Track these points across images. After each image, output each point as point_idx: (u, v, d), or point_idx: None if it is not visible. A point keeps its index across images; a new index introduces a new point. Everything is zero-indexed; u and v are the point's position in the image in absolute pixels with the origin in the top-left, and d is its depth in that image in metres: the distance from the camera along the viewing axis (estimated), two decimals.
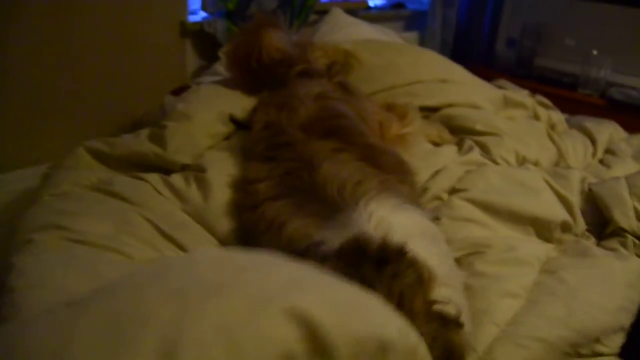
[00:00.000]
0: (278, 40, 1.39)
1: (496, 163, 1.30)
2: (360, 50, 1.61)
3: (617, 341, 0.94)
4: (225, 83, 1.49)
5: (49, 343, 0.48)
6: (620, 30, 2.52)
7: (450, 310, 0.74)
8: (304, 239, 0.84)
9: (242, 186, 1.07)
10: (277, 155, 1.04)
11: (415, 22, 3.10)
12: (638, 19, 2.46)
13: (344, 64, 1.52)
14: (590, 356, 0.91)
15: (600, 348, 0.92)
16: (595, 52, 2.52)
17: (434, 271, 0.75)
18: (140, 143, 1.25)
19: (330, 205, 0.88)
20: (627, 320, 0.96)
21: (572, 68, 2.63)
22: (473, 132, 1.41)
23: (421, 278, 0.73)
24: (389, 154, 1.10)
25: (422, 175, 1.23)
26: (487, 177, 1.17)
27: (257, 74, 1.40)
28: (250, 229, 1.01)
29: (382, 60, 1.61)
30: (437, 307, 0.73)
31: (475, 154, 1.30)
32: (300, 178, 0.96)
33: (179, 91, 1.80)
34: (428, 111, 1.55)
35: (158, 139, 1.25)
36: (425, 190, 1.19)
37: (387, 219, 0.83)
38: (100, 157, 1.23)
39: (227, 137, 1.34)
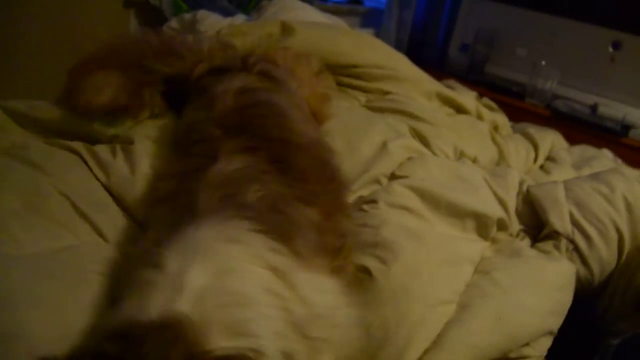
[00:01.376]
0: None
1: (434, 154, 1.26)
2: (299, 28, 1.54)
3: (545, 345, 0.91)
4: None
5: None
6: (570, 45, 2.56)
7: None
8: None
9: (153, 180, 0.95)
10: (194, 152, 0.90)
11: (371, 20, 3.08)
12: (587, 35, 2.51)
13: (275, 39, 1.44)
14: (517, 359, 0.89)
15: (527, 351, 0.89)
16: (544, 64, 2.55)
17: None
18: (63, 112, 1.14)
19: (183, 216, 0.74)
20: (556, 324, 0.93)
21: (521, 78, 2.66)
22: (412, 117, 1.36)
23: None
24: (311, 151, 0.95)
25: (362, 150, 1.17)
26: (428, 167, 1.12)
27: None
28: None
29: (325, 41, 1.54)
30: None
31: (414, 141, 1.25)
32: (195, 180, 0.81)
33: None
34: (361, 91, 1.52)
35: None
36: (363, 173, 1.12)
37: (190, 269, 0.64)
38: (17, 118, 1.09)
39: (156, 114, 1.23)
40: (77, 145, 1.05)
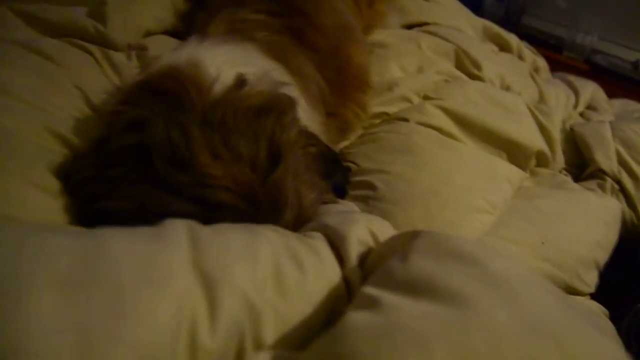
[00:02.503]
0: None
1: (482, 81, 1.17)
2: None
3: (592, 278, 0.85)
4: None
5: None
6: None
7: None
8: None
9: None
10: (221, 4, 0.90)
11: None
12: None
13: None
14: (567, 292, 0.83)
15: (578, 284, 0.83)
16: (584, 17, 2.43)
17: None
18: (78, 16, 1.07)
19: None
20: (602, 257, 0.87)
21: (559, 31, 2.53)
22: (460, 48, 1.25)
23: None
24: (327, 35, 0.94)
25: (390, 67, 1.09)
26: (465, 91, 1.04)
27: None
28: None
29: None
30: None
31: (454, 69, 1.17)
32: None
33: None
34: (406, 29, 1.41)
35: (98, 16, 1.07)
36: (392, 86, 1.04)
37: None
38: (30, 20, 1.01)
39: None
40: (91, 47, 1.00)
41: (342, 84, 0.94)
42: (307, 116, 0.78)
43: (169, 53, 0.70)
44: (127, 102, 0.62)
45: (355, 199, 0.82)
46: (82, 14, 1.08)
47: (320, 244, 0.52)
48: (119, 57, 1.00)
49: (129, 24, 1.09)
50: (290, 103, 0.66)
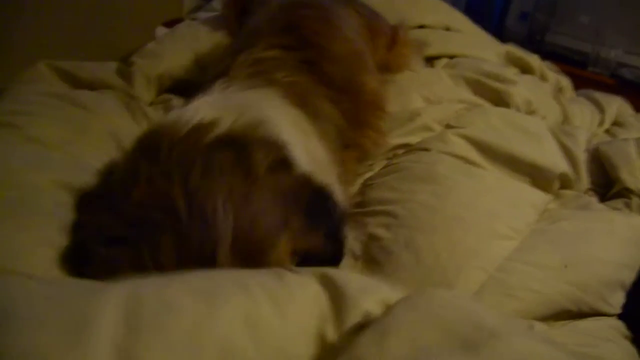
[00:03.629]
0: None
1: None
2: None
3: (618, 299, 0.86)
4: (210, 22, 1.39)
5: None
6: (635, 10, 2.41)
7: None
8: None
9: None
10: (235, 49, 0.94)
11: None
12: None
13: None
14: (591, 315, 0.83)
15: (602, 306, 0.84)
16: (607, 32, 2.42)
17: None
18: (108, 74, 1.14)
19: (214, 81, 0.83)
20: (628, 277, 0.87)
21: (583, 46, 2.53)
22: (484, 74, 1.29)
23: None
24: (342, 65, 0.96)
25: (413, 98, 1.13)
26: (487, 118, 1.07)
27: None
28: None
29: (379, 0, 1.50)
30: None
31: (476, 97, 1.20)
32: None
33: (171, 23, 1.72)
34: (428, 61, 1.44)
35: (125, 75, 1.15)
36: (414, 116, 1.08)
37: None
38: (64, 76, 1.10)
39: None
40: (125, 96, 1.07)
41: (358, 113, 0.97)
42: (319, 158, 0.80)
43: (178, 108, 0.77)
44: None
45: (378, 226, 0.85)
46: (113, 71, 1.14)
47: (305, 280, 0.48)
48: (145, 107, 1.08)
49: (152, 82, 1.18)
50: (263, 141, 0.67)
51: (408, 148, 1.04)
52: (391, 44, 1.24)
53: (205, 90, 0.82)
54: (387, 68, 1.21)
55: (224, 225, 0.55)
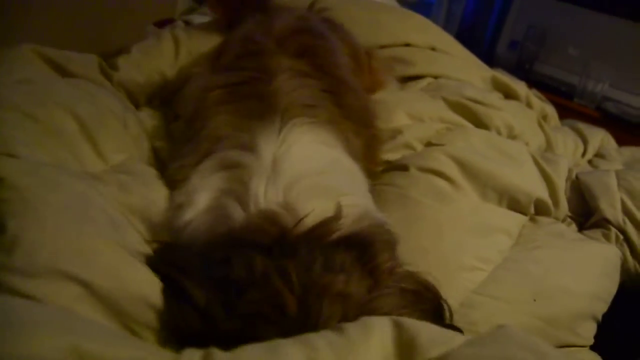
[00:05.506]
0: None
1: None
2: (344, 5, 1.50)
3: (589, 331, 0.84)
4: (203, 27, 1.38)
5: None
6: (624, 46, 2.45)
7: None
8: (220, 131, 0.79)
9: (198, 94, 0.95)
10: (241, 65, 0.90)
11: (419, 12, 2.99)
12: None
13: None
14: (560, 347, 0.82)
15: (572, 338, 0.81)
16: (595, 65, 2.45)
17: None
18: (95, 70, 1.10)
19: (264, 114, 0.79)
20: (599, 309, 0.86)
21: (570, 78, 2.56)
22: (465, 97, 1.26)
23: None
24: (357, 95, 0.96)
25: (397, 116, 1.12)
26: (468, 138, 1.06)
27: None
28: None
29: (367, 16, 1.49)
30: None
31: (458, 117, 1.19)
32: (254, 87, 0.84)
33: (163, 23, 1.71)
34: (410, 80, 1.43)
35: (107, 75, 1.11)
36: (396, 134, 1.06)
37: (290, 151, 0.74)
38: (52, 64, 1.03)
39: None
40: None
41: (369, 145, 0.96)
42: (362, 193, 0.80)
43: (258, 177, 0.70)
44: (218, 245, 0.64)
45: None
46: (96, 68, 1.11)
47: (369, 330, 0.49)
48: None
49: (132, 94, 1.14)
50: (384, 241, 0.67)
51: (387, 165, 1.02)
52: (371, 66, 1.24)
53: (257, 125, 0.78)
54: (368, 91, 1.21)
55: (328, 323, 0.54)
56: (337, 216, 0.65)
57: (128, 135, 0.89)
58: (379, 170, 1.01)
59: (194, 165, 0.77)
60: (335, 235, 0.63)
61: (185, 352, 0.47)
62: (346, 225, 0.64)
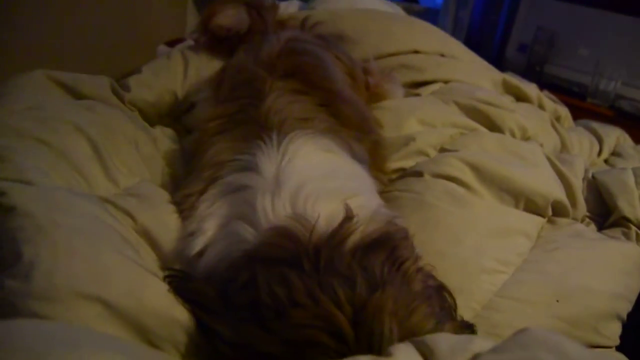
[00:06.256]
0: (223, 17, 1.31)
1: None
2: (354, 16, 1.52)
3: (614, 331, 0.82)
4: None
5: None
6: (634, 43, 2.43)
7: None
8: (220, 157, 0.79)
9: (200, 125, 0.95)
10: (236, 95, 0.91)
11: (427, 19, 2.99)
12: None
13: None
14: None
15: (596, 338, 0.80)
16: (606, 64, 2.43)
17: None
18: (107, 91, 1.11)
19: (260, 134, 0.78)
20: (624, 309, 0.84)
21: (582, 78, 2.54)
22: (478, 100, 1.26)
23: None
24: (353, 106, 0.96)
25: (409, 123, 1.12)
26: (482, 142, 1.05)
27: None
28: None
29: (376, 25, 1.49)
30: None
31: (471, 121, 1.19)
32: (248, 113, 0.85)
33: (173, 43, 1.73)
34: (421, 86, 1.43)
35: (119, 96, 1.13)
36: (409, 141, 1.06)
37: (292, 162, 0.73)
38: (64, 88, 1.05)
39: None
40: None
41: (372, 151, 0.96)
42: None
43: (262, 194, 0.69)
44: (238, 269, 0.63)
45: None
46: (108, 88, 1.12)
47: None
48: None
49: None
50: (403, 237, 0.66)
51: (402, 173, 1.02)
52: (367, 83, 1.25)
53: (254, 145, 0.78)
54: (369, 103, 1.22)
55: (389, 344, 0.52)
56: (349, 217, 0.64)
57: (140, 157, 0.90)
58: (388, 176, 1.01)
59: (200, 193, 0.77)
60: (355, 239, 0.62)
61: None
62: (361, 227, 0.63)
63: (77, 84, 1.06)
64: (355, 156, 0.83)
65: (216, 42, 1.34)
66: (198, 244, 0.70)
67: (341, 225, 0.62)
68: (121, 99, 1.11)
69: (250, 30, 1.32)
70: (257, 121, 0.82)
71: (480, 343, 0.50)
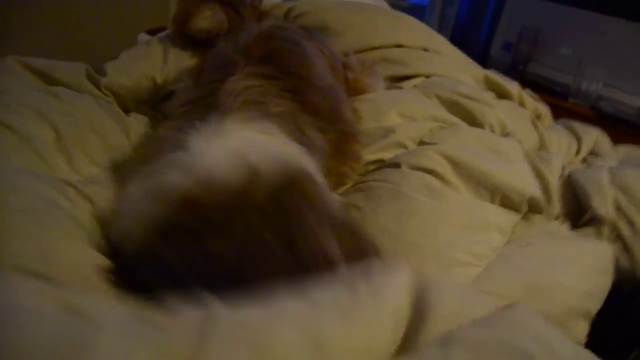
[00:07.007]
0: (202, 20, 1.29)
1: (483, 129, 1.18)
2: (338, 9, 1.51)
3: (582, 329, 0.83)
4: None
5: None
6: (618, 45, 2.45)
7: None
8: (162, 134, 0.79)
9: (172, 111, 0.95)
10: (210, 80, 0.91)
11: (413, 16, 3.02)
12: (637, 35, 2.39)
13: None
14: None
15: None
16: (589, 65, 2.45)
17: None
18: (82, 78, 1.10)
19: (204, 115, 0.78)
20: (593, 306, 0.85)
21: (565, 78, 2.56)
22: (459, 95, 1.27)
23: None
24: (325, 95, 0.96)
25: (389, 115, 1.11)
26: (461, 136, 1.05)
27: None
28: None
29: (360, 19, 1.49)
30: None
31: (451, 115, 1.19)
32: (214, 96, 0.84)
33: (156, 32, 1.71)
34: (403, 80, 1.43)
35: (94, 82, 1.12)
36: (389, 133, 1.06)
37: (221, 138, 0.72)
38: (38, 74, 1.05)
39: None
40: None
41: (341, 143, 0.96)
42: None
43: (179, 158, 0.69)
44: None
45: None
46: (83, 74, 1.11)
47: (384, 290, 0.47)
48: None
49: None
50: (306, 174, 0.68)
51: (380, 164, 1.02)
52: (347, 77, 1.24)
53: (196, 125, 0.76)
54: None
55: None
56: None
57: (105, 147, 0.89)
58: (357, 172, 1.01)
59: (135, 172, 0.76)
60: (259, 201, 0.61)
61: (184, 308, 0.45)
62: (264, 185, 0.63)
63: (50, 70, 1.05)
64: (304, 143, 0.81)
65: (196, 42, 1.33)
66: (121, 222, 0.69)
67: (254, 177, 0.62)
68: (97, 85, 1.09)
69: (230, 29, 1.30)
70: (212, 104, 0.81)
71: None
